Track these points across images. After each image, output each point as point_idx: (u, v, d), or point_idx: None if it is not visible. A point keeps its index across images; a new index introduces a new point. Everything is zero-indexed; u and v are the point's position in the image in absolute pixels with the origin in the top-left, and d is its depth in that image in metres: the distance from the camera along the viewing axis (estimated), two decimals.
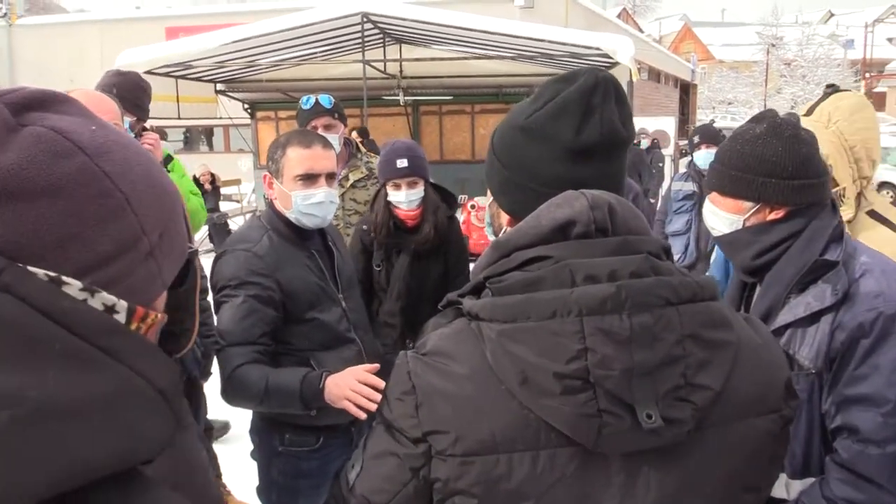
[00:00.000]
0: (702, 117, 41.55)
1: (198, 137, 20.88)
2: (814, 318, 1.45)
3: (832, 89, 2.10)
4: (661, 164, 9.27)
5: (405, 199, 2.79)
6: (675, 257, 4.81)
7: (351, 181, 3.33)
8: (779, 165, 1.52)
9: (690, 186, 4.71)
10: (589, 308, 0.89)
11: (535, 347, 0.90)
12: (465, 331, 0.98)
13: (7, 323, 0.54)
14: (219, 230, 9.89)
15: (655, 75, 26.80)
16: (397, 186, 2.79)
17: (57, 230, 0.59)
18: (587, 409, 0.88)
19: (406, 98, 10.71)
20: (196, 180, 10.66)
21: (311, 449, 2.14)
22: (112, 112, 2.38)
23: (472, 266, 2.50)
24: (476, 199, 9.71)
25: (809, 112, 2.05)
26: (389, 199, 2.83)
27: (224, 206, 11.74)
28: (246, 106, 12.15)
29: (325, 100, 3.22)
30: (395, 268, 2.88)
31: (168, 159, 3.22)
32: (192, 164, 12.47)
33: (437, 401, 0.94)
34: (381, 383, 1.80)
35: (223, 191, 11.97)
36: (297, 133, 2.18)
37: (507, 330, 0.92)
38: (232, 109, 11.60)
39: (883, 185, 18.08)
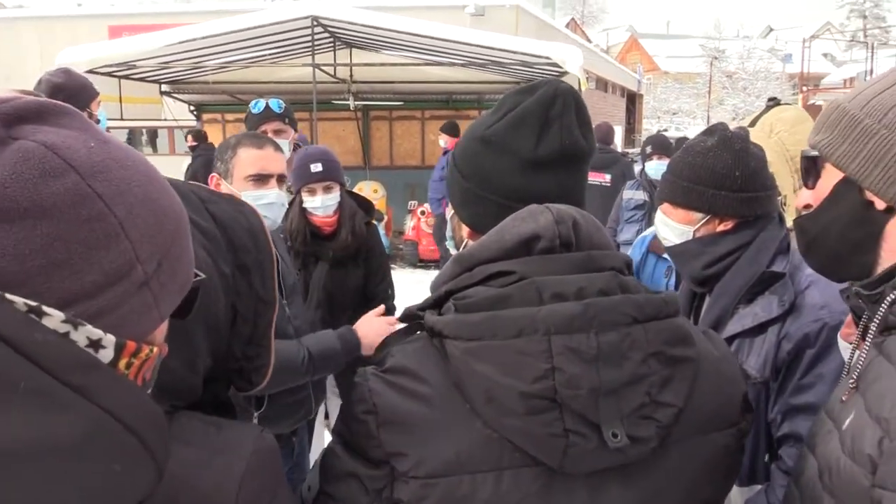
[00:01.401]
0: (647, 126, 42.46)
1: (141, 139, 20.37)
2: (761, 328, 1.48)
3: (774, 102, 2.16)
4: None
5: (321, 204, 2.74)
6: None
7: None
8: (728, 178, 1.55)
9: (641, 196, 4.78)
10: (557, 326, 0.88)
11: (500, 366, 0.88)
12: (428, 347, 0.96)
13: None
14: None
15: (603, 85, 27.27)
16: (312, 192, 2.74)
17: (41, 255, 0.54)
18: (553, 429, 0.87)
19: (356, 103, 10.64)
20: None
21: None
22: None
23: (394, 272, 2.48)
24: (425, 204, 9.71)
25: (752, 123, 2.12)
26: (305, 205, 2.76)
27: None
28: (192, 108, 11.91)
29: (276, 104, 3.17)
30: (314, 276, 2.82)
31: None
32: None
33: (399, 421, 0.91)
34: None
35: None
36: (248, 134, 2.15)
37: (473, 348, 0.89)
38: (177, 111, 11.35)
39: None
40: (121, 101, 9.76)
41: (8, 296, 0.52)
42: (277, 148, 2.13)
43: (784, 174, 1.99)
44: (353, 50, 10.26)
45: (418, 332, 1.01)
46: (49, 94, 2.92)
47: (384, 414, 0.92)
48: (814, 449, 0.97)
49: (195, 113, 12.00)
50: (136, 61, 8.95)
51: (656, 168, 4.68)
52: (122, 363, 0.59)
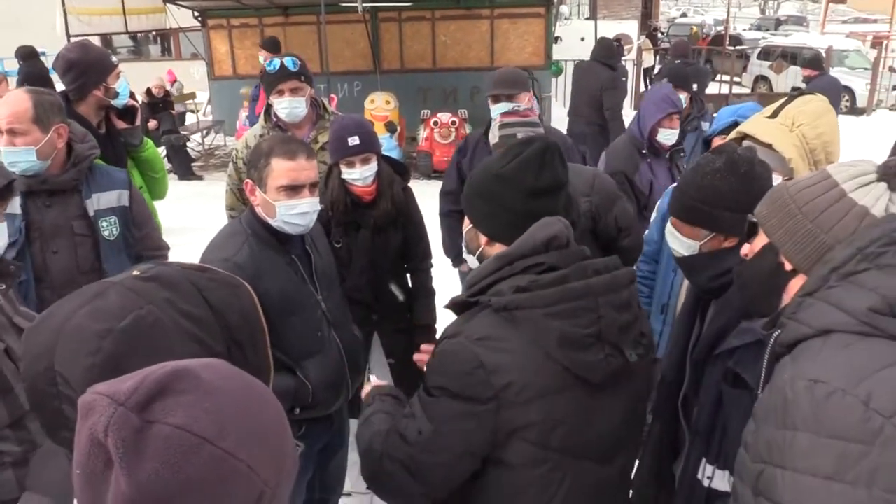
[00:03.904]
0: (664, 10, 40.69)
1: (145, 45, 19.94)
2: (760, 343, 1.59)
3: (797, 92, 2.18)
4: (623, 79, 9.18)
5: (360, 175, 2.79)
6: None
7: (320, 143, 3.29)
8: (732, 199, 1.65)
9: None
10: (601, 290, 1.42)
11: (569, 320, 1.39)
12: (497, 319, 1.44)
13: None
14: (177, 152, 9.69)
15: None
16: (351, 164, 2.79)
17: None
18: (598, 357, 1.42)
19: (364, 5, 10.34)
20: (149, 91, 10.34)
21: (295, 437, 2.28)
22: (25, 114, 2.37)
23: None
24: (439, 115, 9.62)
25: (775, 114, 2.14)
26: (344, 176, 2.82)
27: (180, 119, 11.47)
28: (196, 14, 11.62)
29: (290, 62, 3.16)
30: (357, 243, 2.90)
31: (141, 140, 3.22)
32: (144, 74, 12.04)
33: (500, 370, 1.40)
34: None
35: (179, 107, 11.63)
36: (280, 142, 2.18)
37: (552, 311, 1.39)
38: (181, 18, 11.11)
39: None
40: (124, 14, 9.57)
41: None
42: (310, 155, 2.18)
43: (804, 168, 2.04)
44: None
45: (483, 312, 1.46)
46: (64, 70, 2.93)
47: (491, 366, 1.39)
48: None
49: (199, 20, 11.74)
50: None
51: None
52: None
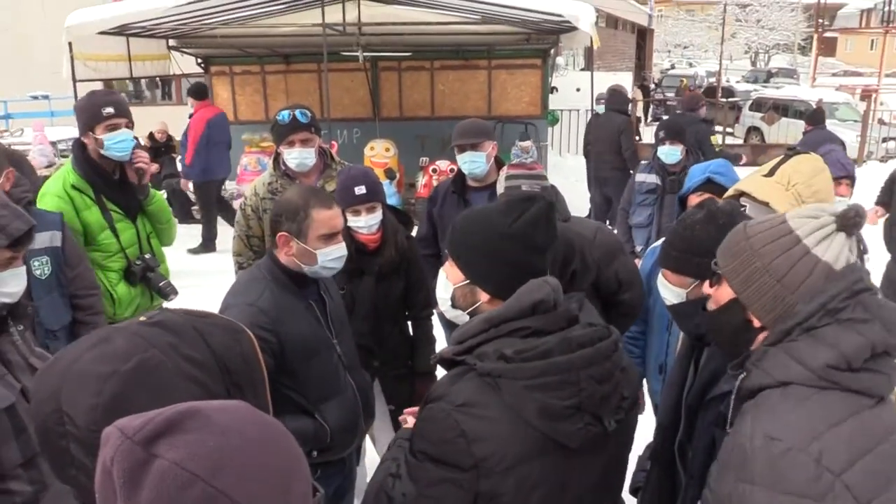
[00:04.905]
0: (658, 61, 41.62)
1: (150, 89, 20.22)
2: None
3: (792, 152, 2.29)
4: None
5: (365, 224, 2.91)
6: (637, 248, 4.93)
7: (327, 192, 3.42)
8: (711, 248, 1.75)
9: (654, 180, 4.82)
10: (582, 364, 1.44)
11: (550, 392, 1.41)
12: (482, 385, 1.46)
13: None
14: (178, 196, 9.81)
15: (613, 22, 26.74)
16: (357, 213, 2.91)
17: None
18: (578, 425, 1.44)
19: (365, 54, 10.58)
20: (152, 136, 10.50)
21: None
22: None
23: None
24: (437, 162, 9.78)
25: (771, 173, 2.24)
26: (350, 224, 2.92)
27: (180, 165, 11.59)
28: (199, 60, 11.86)
29: (301, 115, 3.29)
30: (360, 290, 2.99)
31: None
32: (145, 119, 12.20)
33: (482, 438, 1.42)
34: None
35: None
36: (314, 194, 2.30)
37: (533, 384, 1.41)
38: (185, 64, 11.33)
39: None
40: (130, 60, 9.77)
41: None
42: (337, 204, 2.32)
43: None
44: (363, 1, 10.16)
45: (467, 375, 1.48)
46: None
47: (472, 435, 1.41)
48: None
49: (203, 66, 11.98)
50: (143, 21, 8.92)
51: (668, 153, 4.72)
52: None
